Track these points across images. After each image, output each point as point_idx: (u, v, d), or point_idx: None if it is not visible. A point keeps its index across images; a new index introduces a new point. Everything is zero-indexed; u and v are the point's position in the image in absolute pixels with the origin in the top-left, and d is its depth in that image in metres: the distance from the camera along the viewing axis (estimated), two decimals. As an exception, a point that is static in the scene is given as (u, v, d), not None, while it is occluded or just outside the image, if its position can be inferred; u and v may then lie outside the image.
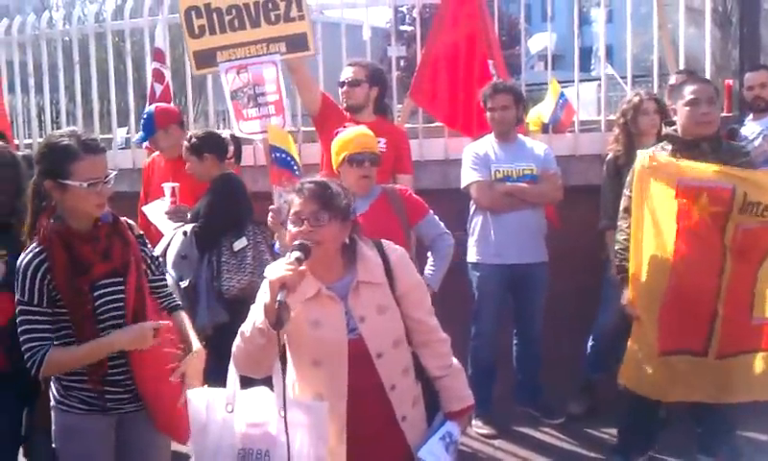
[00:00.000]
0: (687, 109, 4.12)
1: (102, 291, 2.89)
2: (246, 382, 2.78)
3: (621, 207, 4.35)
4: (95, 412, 2.96)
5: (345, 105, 5.07)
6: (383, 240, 2.94)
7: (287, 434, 2.56)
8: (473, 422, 5.08)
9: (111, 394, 2.94)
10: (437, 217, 4.31)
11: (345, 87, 5.04)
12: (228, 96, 4.80)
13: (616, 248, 4.33)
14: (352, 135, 4.01)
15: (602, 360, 5.17)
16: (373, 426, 2.77)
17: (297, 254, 2.56)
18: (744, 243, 4.03)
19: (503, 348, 5.23)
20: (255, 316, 2.59)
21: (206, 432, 2.76)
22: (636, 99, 5.08)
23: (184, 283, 4.58)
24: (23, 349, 2.83)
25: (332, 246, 2.71)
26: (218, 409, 2.76)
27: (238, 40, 4.76)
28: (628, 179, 4.34)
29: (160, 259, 4.46)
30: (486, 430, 5.06)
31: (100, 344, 2.86)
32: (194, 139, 4.90)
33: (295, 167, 4.48)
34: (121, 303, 2.92)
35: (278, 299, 2.42)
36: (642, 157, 4.19)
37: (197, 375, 3.03)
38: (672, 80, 5.56)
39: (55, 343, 2.83)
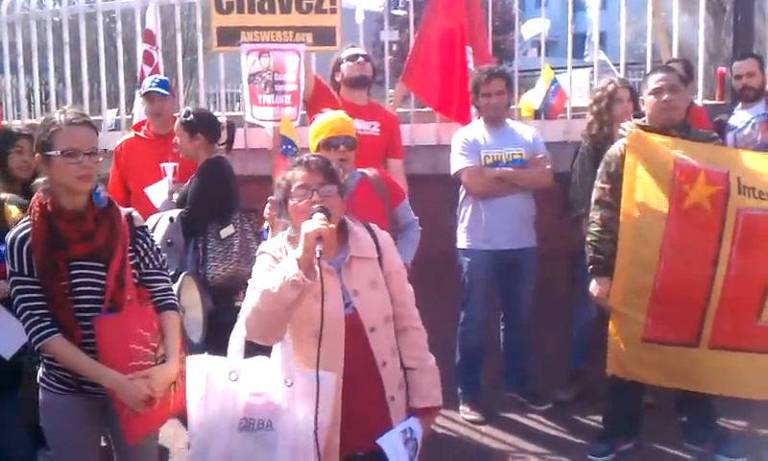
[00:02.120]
0: (651, 97, 4.23)
1: (80, 271, 2.89)
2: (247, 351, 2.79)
3: (594, 198, 4.37)
4: (72, 392, 2.97)
5: (355, 76, 5.04)
6: (369, 222, 3.02)
7: (317, 392, 2.57)
8: (461, 407, 5.10)
9: (86, 377, 2.93)
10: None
11: (360, 59, 5.03)
12: (245, 78, 4.71)
13: (588, 239, 4.36)
14: (328, 120, 3.96)
15: (586, 350, 5.19)
16: (365, 403, 2.81)
17: (321, 214, 2.63)
18: (746, 232, 4.03)
19: (491, 334, 5.23)
20: (280, 274, 2.56)
21: (206, 402, 2.74)
22: (611, 87, 5.08)
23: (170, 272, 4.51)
24: (22, 317, 2.88)
25: (336, 219, 2.77)
26: (218, 378, 2.74)
27: (265, 23, 4.67)
28: (600, 169, 4.37)
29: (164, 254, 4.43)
30: (473, 416, 5.06)
31: (98, 370, 2.87)
32: (190, 116, 4.81)
33: None
34: (99, 288, 2.91)
35: (318, 249, 2.51)
36: (624, 142, 4.22)
37: (159, 387, 2.93)
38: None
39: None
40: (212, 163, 4.78)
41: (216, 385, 2.74)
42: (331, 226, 2.61)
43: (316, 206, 2.67)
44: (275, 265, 2.72)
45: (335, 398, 2.73)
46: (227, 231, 4.60)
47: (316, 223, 2.56)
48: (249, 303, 2.66)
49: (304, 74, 5.01)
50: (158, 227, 4.59)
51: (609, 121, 5.03)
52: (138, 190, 5.09)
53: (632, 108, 4.98)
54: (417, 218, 4.29)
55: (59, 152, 2.84)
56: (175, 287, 3.60)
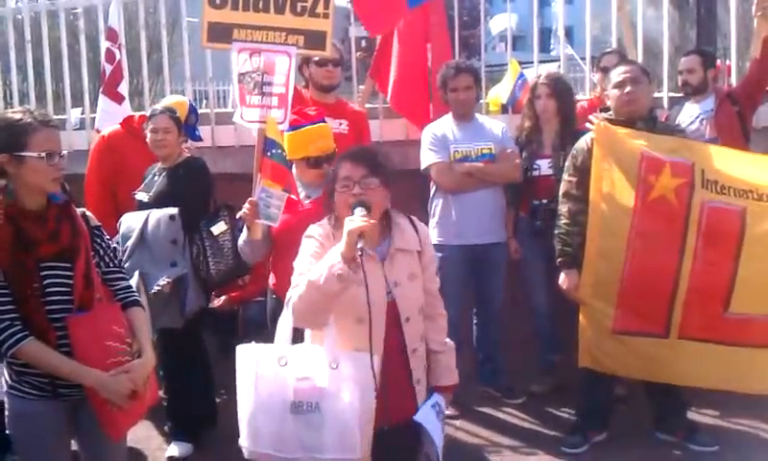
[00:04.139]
0: (615, 91, 4.27)
1: (49, 272, 2.85)
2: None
3: (561, 191, 4.41)
4: (47, 397, 2.92)
5: (324, 83, 5.07)
6: (411, 215, 3.14)
7: (374, 376, 2.72)
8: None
9: (61, 380, 2.89)
10: None
11: (329, 66, 5.01)
12: (235, 78, 4.65)
13: (557, 232, 4.40)
14: (312, 136, 4.00)
15: (554, 341, 5.21)
16: (395, 386, 2.93)
17: (362, 209, 2.74)
18: (711, 224, 4.07)
19: (464, 328, 5.24)
20: (324, 266, 2.68)
21: (257, 386, 2.84)
22: (532, 82, 5.15)
23: (180, 270, 4.46)
24: None
25: (378, 211, 2.87)
26: (267, 364, 2.84)
27: (258, 22, 4.53)
28: (567, 163, 4.40)
29: (119, 249, 4.35)
30: (447, 411, 5.03)
31: (79, 370, 2.84)
32: (175, 112, 4.75)
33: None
34: (68, 288, 2.87)
35: (360, 245, 2.61)
36: (591, 136, 4.25)
37: (141, 381, 2.94)
38: (602, 63, 5.60)
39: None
40: (200, 161, 4.75)
41: (266, 371, 2.84)
42: (372, 221, 2.69)
43: (353, 200, 2.79)
44: (320, 251, 2.86)
45: (378, 379, 2.86)
46: (218, 228, 4.58)
47: (358, 220, 2.66)
48: (296, 291, 2.77)
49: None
50: (156, 224, 4.49)
51: (531, 115, 5.12)
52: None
53: (553, 104, 5.02)
54: None
55: (39, 153, 2.79)
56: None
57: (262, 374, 2.84)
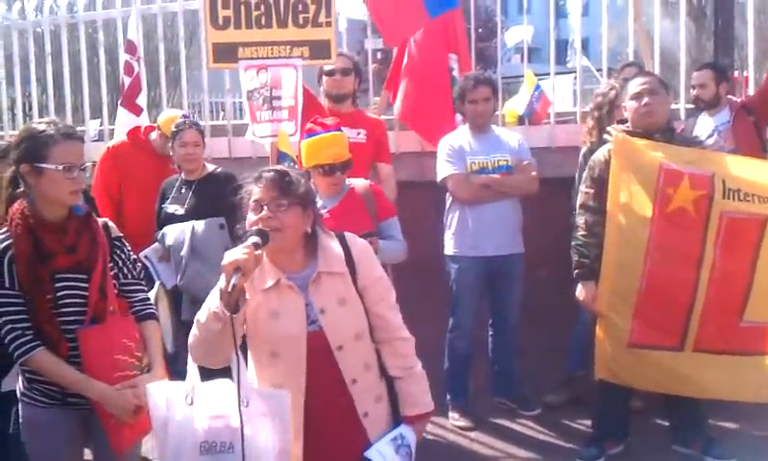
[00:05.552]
0: (632, 103, 4.23)
1: (64, 283, 2.87)
2: (207, 374, 2.74)
3: (578, 203, 4.39)
4: (57, 405, 2.94)
5: (333, 93, 5.10)
6: (346, 233, 2.91)
7: (241, 428, 2.56)
8: (450, 414, 5.09)
9: (70, 389, 2.91)
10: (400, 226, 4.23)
11: (336, 76, 5.05)
12: (245, 96, 4.66)
13: (573, 244, 4.37)
14: (324, 144, 3.96)
15: (584, 356, 5.17)
16: (334, 421, 2.76)
17: (254, 239, 2.57)
18: (729, 235, 4.04)
19: (480, 339, 5.23)
20: (211, 302, 2.58)
21: (167, 427, 2.70)
22: (613, 93, 5.06)
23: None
24: (4, 331, 2.83)
25: (292, 234, 2.69)
26: (178, 403, 2.70)
27: (262, 38, 4.58)
28: (584, 174, 4.38)
29: (140, 263, 4.38)
30: (462, 422, 5.05)
31: (84, 382, 2.86)
32: (200, 125, 4.82)
33: None
34: (82, 300, 2.89)
35: (232, 282, 2.43)
36: (609, 147, 4.24)
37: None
38: (622, 75, 5.56)
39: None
40: (231, 172, 4.77)
41: (175, 411, 2.70)
42: (257, 253, 2.52)
43: (254, 227, 2.63)
44: None
45: (297, 414, 2.69)
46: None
47: (237, 252, 2.49)
48: (193, 327, 2.66)
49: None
50: (207, 235, 4.57)
51: (609, 123, 5.01)
52: (139, 206, 4.99)
53: None
54: (403, 241, 4.19)
55: (57, 166, 2.80)
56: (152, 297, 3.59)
57: (171, 415, 2.70)
